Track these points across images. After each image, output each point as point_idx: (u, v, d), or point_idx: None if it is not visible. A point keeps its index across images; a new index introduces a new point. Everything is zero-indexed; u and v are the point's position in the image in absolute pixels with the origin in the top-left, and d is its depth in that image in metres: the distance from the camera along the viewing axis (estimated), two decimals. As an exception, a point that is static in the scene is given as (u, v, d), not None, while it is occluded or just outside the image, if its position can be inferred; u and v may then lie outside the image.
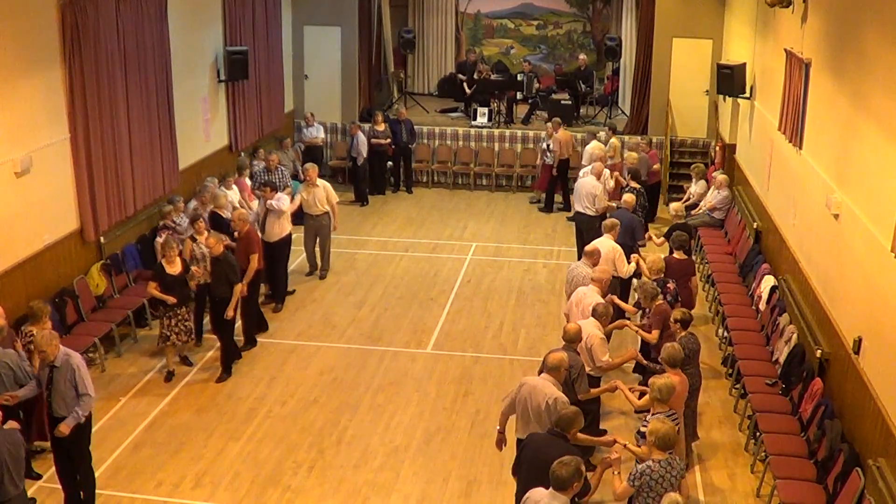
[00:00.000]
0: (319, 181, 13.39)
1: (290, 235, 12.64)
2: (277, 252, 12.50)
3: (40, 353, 7.73)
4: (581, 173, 14.26)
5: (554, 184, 17.20)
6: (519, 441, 7.64)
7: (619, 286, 11.29)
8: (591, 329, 8.88)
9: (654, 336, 9.44)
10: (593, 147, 15.70)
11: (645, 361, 9.39)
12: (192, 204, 12.85)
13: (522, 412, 7.66)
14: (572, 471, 6.04)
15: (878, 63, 8.19)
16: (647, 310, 9.75)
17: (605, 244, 10.96)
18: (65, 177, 11.11)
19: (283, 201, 12.45)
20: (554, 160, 16.87)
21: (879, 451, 7.48)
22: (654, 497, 6.60)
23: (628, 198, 12.47)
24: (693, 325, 11.74)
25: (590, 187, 13.43)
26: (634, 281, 12.99)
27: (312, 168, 13.48)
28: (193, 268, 10.91)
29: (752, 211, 13.61)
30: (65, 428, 7.78)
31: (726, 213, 14.53)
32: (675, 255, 10.99)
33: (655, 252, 12.66)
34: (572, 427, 6.89)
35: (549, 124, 17.17)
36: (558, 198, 17.33)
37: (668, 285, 10.26)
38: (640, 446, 7.29)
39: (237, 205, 14.03)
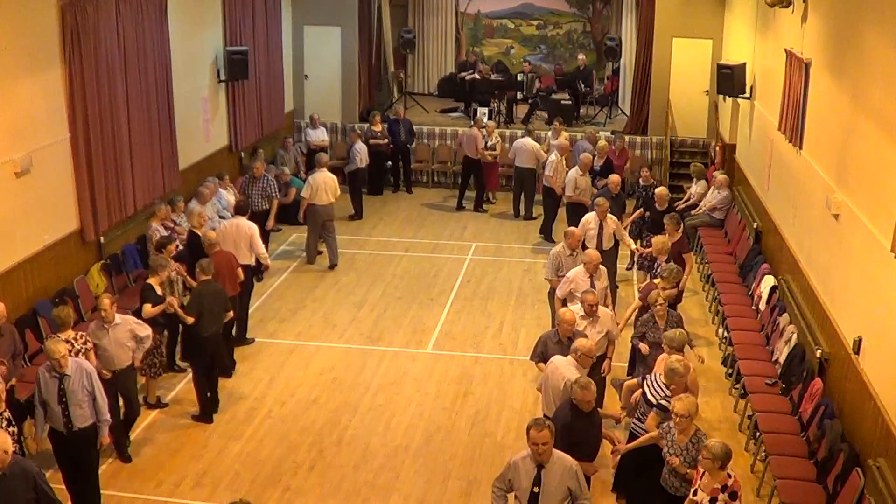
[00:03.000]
0: (328, 174, 13.96)
1: (250, 267, 11.60)
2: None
3: (61, 358, 7.49)
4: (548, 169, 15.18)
5: (465, 182, 17.31)
6: (546, 418, 7.76)
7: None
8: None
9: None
10: (527, 144, 16.23)
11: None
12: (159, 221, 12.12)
13: (545, 391, 8.06)
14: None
15: (877, 63, 8.19)
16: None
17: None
18: (65, 177, 11.10)
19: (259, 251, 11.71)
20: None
21: (879, 451, 7.48)
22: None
23: (615, 178, 13.47)
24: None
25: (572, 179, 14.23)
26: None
27: (323, 157, 14.37)
28: (169, 298, 9.93)
29: (752, 211, 13.61)
30: (106, 440, 7.90)
31: (726, 213, 14.53)
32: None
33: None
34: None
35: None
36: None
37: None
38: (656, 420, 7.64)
39: (233, 202, 14.03)
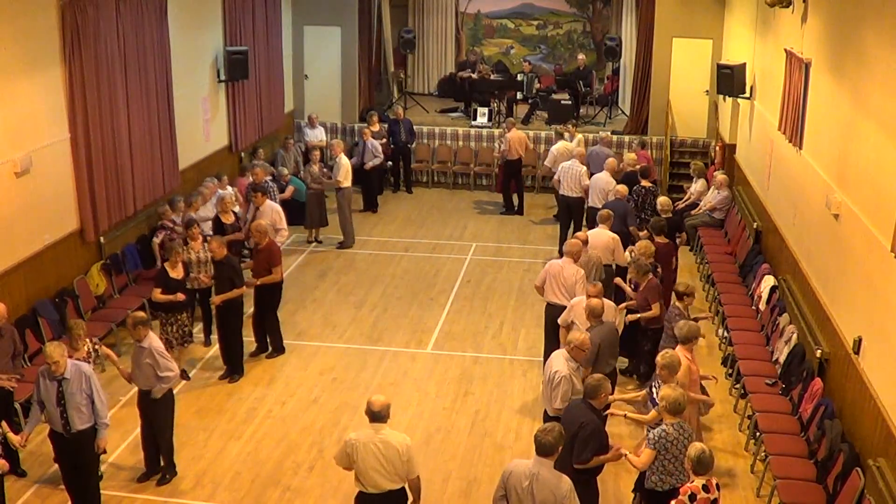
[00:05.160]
0: (344, 158, 14.93)
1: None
2: None
3: (53, 364, 7.47)
4: (560, 170, 14.71)
5: (507, 185, 17.01)
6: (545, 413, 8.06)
7: (613, 275, 11.48)
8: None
9: (655, 310, 9.97)
10: (560, 147, 15.80)
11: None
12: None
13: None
14: (556, 435, 6.34)
15: (877, 63, 8.19)
16: (639, 284, 10.28)
17: (603, 234, 11.44)
18: (65, 177, 11.11)
19: (283, 234, 12.40)
20: (501, 160, 16.94)
21: (879, 451, 7.48)
22: (670, 459, 6.91)
23: (622, 188, 13.33)
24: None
25: (603, 183, 13.83)
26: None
27: (338, 143, 15.32)
28: (200, 275, 10.72)
29: (752, 211, 13.61)
30: (103, 442, 7.87)
31: (726, 213, 14.53)
32: (657, 239, 11.39)
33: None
34: (598, 393, 7.20)
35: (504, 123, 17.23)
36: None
37: (658, 270, 10.78)
38: (650, 410, 7.80)
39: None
